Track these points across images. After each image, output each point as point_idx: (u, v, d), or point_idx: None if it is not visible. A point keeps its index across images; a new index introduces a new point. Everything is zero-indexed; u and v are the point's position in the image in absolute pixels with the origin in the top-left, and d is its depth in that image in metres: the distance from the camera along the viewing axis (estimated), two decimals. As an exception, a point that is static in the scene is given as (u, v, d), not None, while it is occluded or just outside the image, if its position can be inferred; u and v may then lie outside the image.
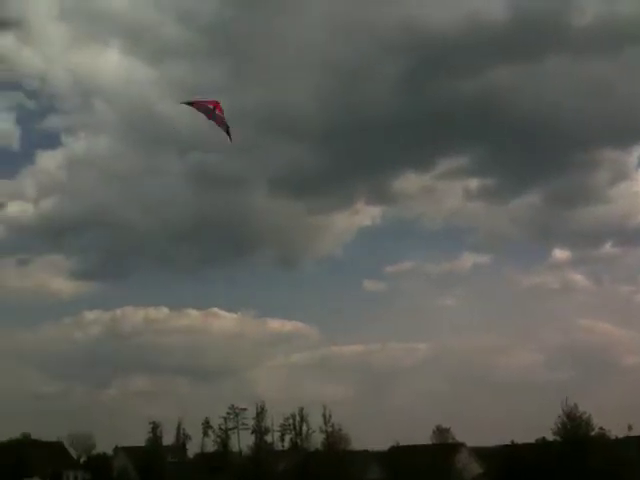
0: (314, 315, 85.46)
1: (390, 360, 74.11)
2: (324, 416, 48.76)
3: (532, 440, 40.54)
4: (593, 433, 39.06)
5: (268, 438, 52.97)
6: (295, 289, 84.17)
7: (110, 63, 79.81)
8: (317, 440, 49.60)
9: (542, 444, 39.43)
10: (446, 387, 67.11)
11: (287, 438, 52.87)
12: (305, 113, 71.51)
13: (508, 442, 40.97)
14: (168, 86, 77.97)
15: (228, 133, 14.82)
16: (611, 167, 78.69)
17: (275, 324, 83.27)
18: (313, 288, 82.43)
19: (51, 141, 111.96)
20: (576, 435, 38.03)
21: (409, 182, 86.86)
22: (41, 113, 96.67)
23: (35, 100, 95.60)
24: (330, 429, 48.38)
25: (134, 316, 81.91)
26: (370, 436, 48.52)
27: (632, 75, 70.12)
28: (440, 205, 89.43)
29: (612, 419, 42.24)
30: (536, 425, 41.32)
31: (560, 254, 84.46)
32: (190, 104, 14.77)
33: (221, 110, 14.54)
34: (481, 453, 44.86)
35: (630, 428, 41.88)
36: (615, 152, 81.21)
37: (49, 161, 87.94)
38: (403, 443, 47.39)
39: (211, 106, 14.53)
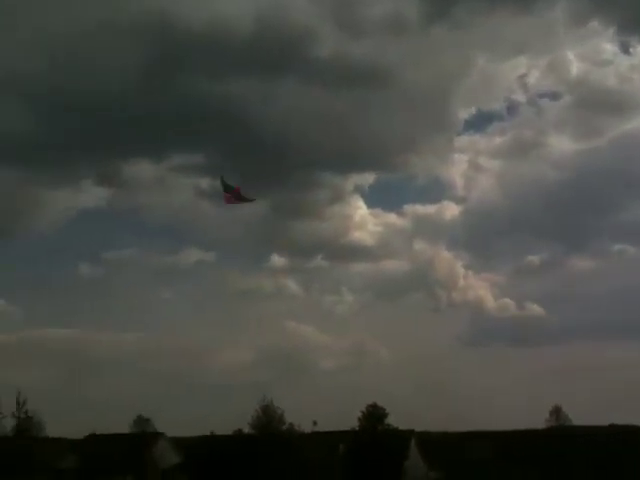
0: (19, 294, 79.22)
1: (98, 349, 71.88)
2: (17, 401, 45.94)
3: (230, 432, 42.83)
4: (284, 427, 42.81)
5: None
6: (1, 264, 77.48)
7: None
8: (7, 426, 46.50)
9: (238, 435, 41.94)
10: (154, 379, 67.16)
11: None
12: (36, 75, 66.69)
13: (208, 433, 42.81)
14: None
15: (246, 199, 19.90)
16: (330, 189, 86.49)
17: (-29, 301, 75.55)
18: (23, 265, 76.74)
19: None
20: (268, 428, 41.44)
21: (141, 169, 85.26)
22: None
23: None
24: (23, 415, 45.78)
25: None
26: (68, 424, 46.91)
27: (359, 112, 78.16)
28: (170, 198, 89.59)
29: (304, 415, 46.57)
30: (236, 418, 43.70)
31: (277, 261, 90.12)
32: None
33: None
34: (181, 443, 46.00)
35: (315, 424, 46.62)
36: (335, 177, 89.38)
37: None
38: (102, 432, 46.79)
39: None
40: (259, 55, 67.74)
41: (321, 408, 52.65)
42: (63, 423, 46.62)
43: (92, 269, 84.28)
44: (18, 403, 45.48)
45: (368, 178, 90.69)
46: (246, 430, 42.24)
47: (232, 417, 46.26)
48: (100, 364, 67.03)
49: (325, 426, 46.21)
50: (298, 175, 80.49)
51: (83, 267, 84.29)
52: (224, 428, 43.33)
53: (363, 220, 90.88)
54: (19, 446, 41.43)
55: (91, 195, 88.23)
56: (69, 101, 67.45)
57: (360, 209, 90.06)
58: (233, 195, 19.38)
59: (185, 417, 50.85)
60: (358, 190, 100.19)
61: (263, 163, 73.87)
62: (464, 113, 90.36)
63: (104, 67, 66.07)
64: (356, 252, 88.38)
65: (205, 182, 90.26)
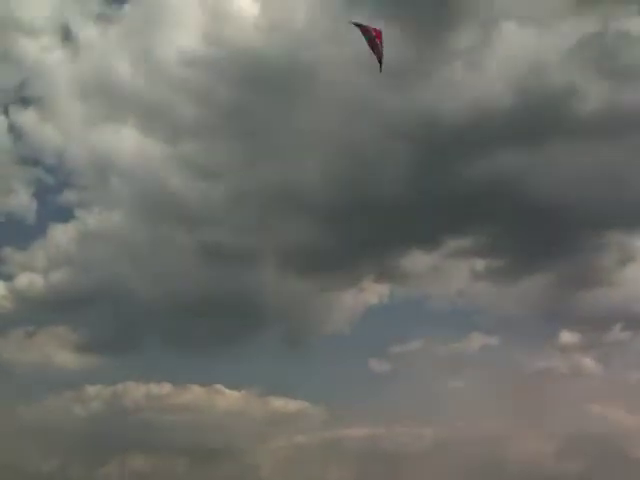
0: (319, 395, 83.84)
1: (396, 444, 71.84)
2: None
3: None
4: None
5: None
6: (301, 367, 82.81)
7: (126, 140, 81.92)
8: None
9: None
10: (452, 475, 65.09)
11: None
12: (315, 192, 72.60)
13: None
14: (181, 163, 79.87)
15: (380, 62, 16.49)
16: (619, 250, 78.74)
17: (279, 403, 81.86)
18: (319, 367, 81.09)
19: (64, 215, 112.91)
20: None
21: (417, 261, 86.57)
22: (58, 188, 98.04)
23: (53, 175, 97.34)
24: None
25: (136, 392, 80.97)
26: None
27: (638, 160, 71.09)
28: (447, 284, 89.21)
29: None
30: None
31: (569, 337, 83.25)
32: (358, 26, 16.58)
33: (381, 40, 16.21)
34: None
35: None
36: (623, 235, 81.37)
37: (61, 234, 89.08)
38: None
39: (374, 34, 16.35)
40: (522, 125, 66.41)
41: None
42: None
43: (381, 364, 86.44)
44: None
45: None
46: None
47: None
48: (398, 460, 67.13)
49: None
50: (579, 239, 74.81)
51: (373, 363, 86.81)
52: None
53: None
54: None
55: (373, 292, 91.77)
56: (344, 208, 72.28)
57: (659, 267, 79.98)
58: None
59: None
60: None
61: (539, 233, 70.47)
62: None
63: (375, 171, 70.24)
64: (662, 318, 77.85)
65: (480, 264, 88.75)
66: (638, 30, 62.51)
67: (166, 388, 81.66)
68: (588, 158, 70.25)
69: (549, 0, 63.84)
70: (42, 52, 75.20)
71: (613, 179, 69.48)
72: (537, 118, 65.67)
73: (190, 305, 78.01)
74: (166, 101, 72.17)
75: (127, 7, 70.56)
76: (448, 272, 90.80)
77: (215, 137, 76.06)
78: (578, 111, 67.05)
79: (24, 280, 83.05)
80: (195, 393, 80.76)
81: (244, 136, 75.43)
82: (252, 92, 70.19)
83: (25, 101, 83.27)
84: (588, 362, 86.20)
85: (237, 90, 69.53)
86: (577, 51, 65.40)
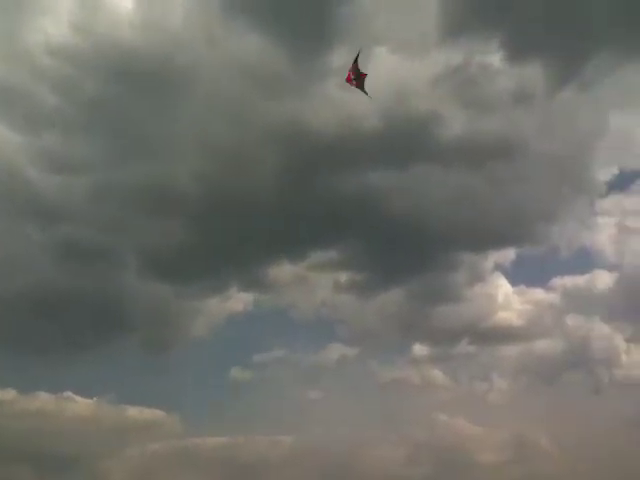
0: (177, 403, 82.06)
1: (255, 453, 72.33)
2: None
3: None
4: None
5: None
6: (159, 375, 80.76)
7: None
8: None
9: None
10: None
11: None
12: (183, 194, 71.13)
13: None
14: (38, 155, 75.25)
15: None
16: (469, 269, 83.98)
17: (134, 411, 79.38)
18: (178, 375, 79.60)
19: None
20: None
21: (282, 271, 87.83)
22: None
23: None
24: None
25: (-25, 398, 75.41)
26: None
27: (492, 187, 76.09)
28: (311, 295, 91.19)
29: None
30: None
31: (420, 349, 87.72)
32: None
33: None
34: None
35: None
36: (473, 256, 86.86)
37: None
38: None
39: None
40: (389, 146, 68.75)
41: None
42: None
43: (243, 373, 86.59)
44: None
45: (508, 254, 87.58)
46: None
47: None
48: (255, 468, 67.66)
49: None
50: (434, 258, 79.05)
51: (235, 371, 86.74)
52: None
53: (507, 299, 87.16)
54: None
55: (238, 300, 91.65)
56: (212, 213, 71.38)
57: (503, 287, 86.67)
58: (356, 77, 21.09)
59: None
60: (499, 268, 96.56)
61: (398, 250, 73.68)
62: (605, 174, 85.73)
63: (246, 178, 69.90)
64: (504, 334, 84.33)
65: (343, 276, 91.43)
66: (498, 63, 67.27)
67: (10, 394, 76.30)
68: (447, 181, 74.50)
69: (419, 31, 66.92)
70: None
71: (468, 203, 74.18)
72: (402, 141, 68.59)
73: (40, 306, 73.34)
74: (26, 89, 67.66)
75: (-11, -11, 65.53)
76: (312, 283, 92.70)
77: (78, 130, 72.09)
78: (440, 137, 71.15)
79: None
80: (43, 400, 76.15)
81: (110, 132, 72.00)
82: (121, 88, 67.09)
83: None
84: (437, 374, 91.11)
85: (105, 85, 66.06)
86: (441, 80, 69.31)
